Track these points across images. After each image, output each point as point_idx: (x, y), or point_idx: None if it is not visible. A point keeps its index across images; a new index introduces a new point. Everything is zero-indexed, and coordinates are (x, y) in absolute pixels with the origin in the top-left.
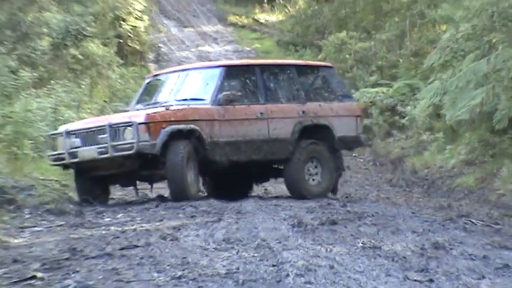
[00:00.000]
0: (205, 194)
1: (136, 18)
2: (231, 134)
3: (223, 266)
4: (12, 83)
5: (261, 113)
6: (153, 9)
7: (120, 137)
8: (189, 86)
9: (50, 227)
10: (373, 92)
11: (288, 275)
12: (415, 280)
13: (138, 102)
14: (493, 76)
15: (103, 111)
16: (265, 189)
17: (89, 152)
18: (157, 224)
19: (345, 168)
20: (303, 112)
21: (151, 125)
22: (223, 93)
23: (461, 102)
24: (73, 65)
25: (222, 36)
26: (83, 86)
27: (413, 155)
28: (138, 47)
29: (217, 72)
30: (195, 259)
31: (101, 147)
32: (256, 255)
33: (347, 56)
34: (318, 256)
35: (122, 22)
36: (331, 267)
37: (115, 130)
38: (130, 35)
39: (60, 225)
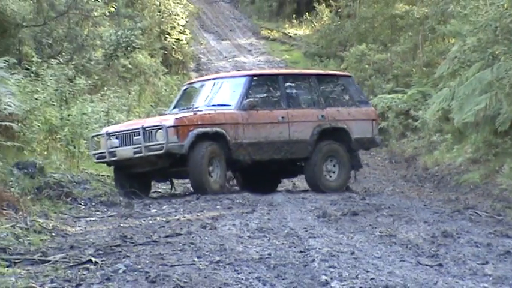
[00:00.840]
0: (238, 189)
1: (179, 32)
2: (253, 136)
3: (257, 252)
4: (70, 89)
5: (282, 117)
6: (194, 24)
7: (152, 138)
8: (218, 93)
9: (103, 217)
10: (389, 98)
11: (313, 260)
12: (426, 265)
13: (175, 107)
14: (496, 84)
15: (150, 115)
16: (294, 184)
17: (125, 152)
18: (198, 214)
19: (362, 165)
20: (322, 116)
21: (179, 128)
22: (248, 99)
23: (468, 107)
24: (123, 73)
25: (255, 48)
26: (132, 92)
27: (425, 153)
28: (181, 58)
29: (243, 81)
30: (231, 246)
31: (136, 148)
32: (285, 242)
33: (366, 66)
34: (340, 243)
35: (167, 35)
36: (352, 253)
37: (148, 132)
38: (174, 46)
39: (112, 216)
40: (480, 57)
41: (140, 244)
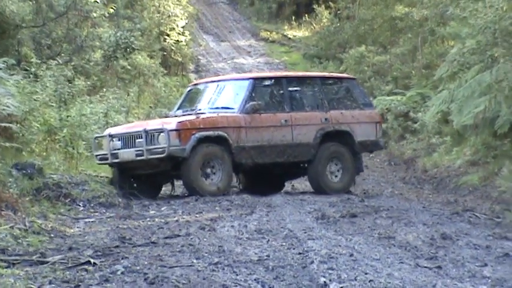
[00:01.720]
0: (239, 190)
1: (178, 34)
2: (256, 139)
3: (255, 253)
4: (69, 90)
5: (285, 121)
6: (193, 25)
7: (154, 141)
8: (221, 96)
9: (102, 218)
10: (388, 100)
11: (312, 262)
12: (425, 267)
13: (179, 108)
14: (495, 86)
15: (149, 116)
16: (293, 186)
17: (127, 154)
18: (197, 216)
19: (363, 168)
20: (326, 119)
21: (181, 131)
22: (250, 103)
23: (467, 109)
24: (122, 74)
25: (254, 49)
26: (131, 93)
27: (424, 156)
28: (180, 59)
29: (246, 84)
30: (230, 247)
31: (138, 150)
32: (284, 244)
33: (365, 68)
34: (339, 245)
35: (166, 37)
36: (351, 255)
37: (150, 135)
38: (173, 48)
39: (111, 217)
40: (479, 59)
41: (139, 245)
